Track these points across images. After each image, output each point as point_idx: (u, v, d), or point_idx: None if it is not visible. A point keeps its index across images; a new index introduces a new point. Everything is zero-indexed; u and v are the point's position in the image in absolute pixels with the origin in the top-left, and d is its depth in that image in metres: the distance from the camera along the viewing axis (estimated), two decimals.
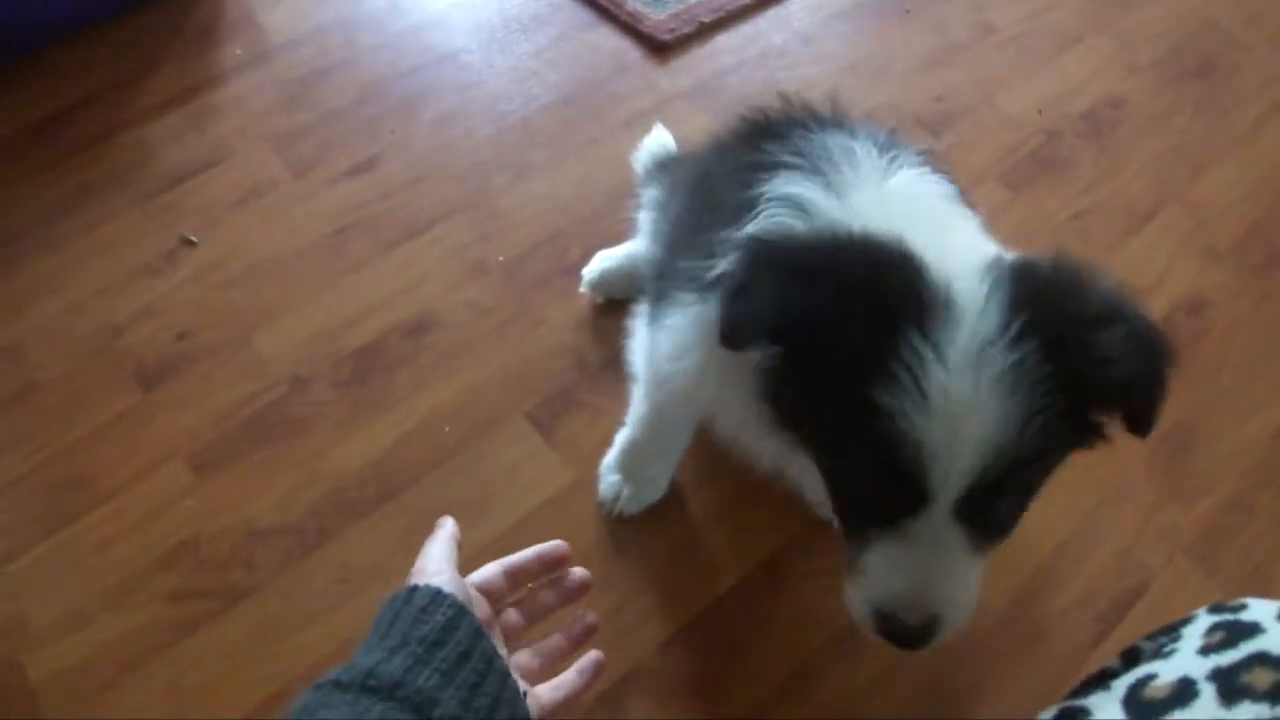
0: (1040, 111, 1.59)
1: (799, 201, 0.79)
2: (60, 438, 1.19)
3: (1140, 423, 0.75)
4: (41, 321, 1.30)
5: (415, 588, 0.69)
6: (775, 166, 0.83)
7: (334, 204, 1.42)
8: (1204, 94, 1.66)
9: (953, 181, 0.91)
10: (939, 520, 0.69)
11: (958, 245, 0.76)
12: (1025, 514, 0.73)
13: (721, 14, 1.68)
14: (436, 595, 0.69)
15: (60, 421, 1.20)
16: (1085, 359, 0.69)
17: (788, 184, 0.80)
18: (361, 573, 1.09)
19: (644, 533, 1.13)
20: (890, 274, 0.69)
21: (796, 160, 0.83)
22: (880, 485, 0.71)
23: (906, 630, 0.73)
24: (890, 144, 0.86)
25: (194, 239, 1.38)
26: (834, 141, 0.84)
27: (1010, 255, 0.77)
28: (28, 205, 1.42)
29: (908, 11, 1.74)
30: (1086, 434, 0.74)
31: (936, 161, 0.90)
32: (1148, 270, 1.39)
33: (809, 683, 1.03)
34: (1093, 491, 1.17)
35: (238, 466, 1.17)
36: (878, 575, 0.74)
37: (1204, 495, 1.19)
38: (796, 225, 0.78)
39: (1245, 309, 1.37)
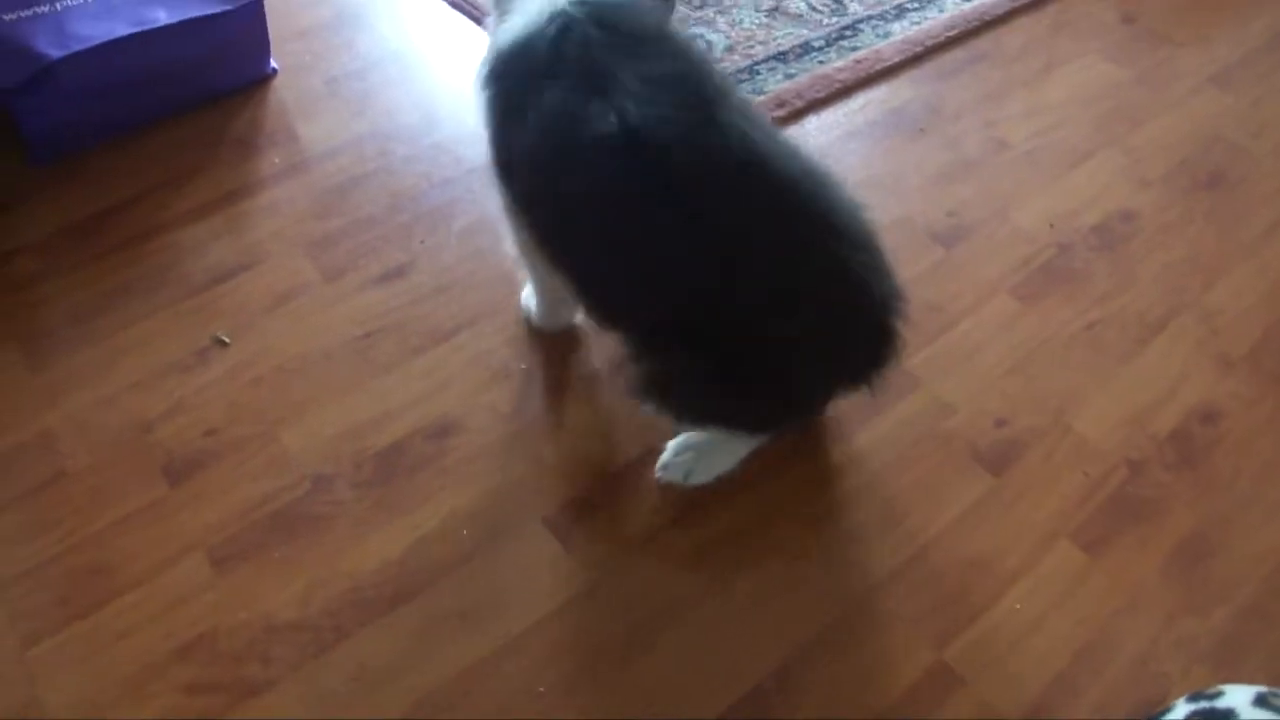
0: (1052, 225, 1.62)
1: None
2: (86, 526, 1.22)
3: None
4: (74, 412, 1.33)
5: None
6: None
7: (364, 308, 1.46)
8: (1214, 205, 1.69)
9: None
10: None
11: None
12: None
13: None
14: None
15: (87, 510, 1.23)
16: None
17: None
18: (376, 672, 1.10)
19: (665, 628, 1.14)
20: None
21: None
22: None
23: None
24: None
25: (226, 339, 1.42)
26: None
27: None
28: (67, 300, 1.47)
29: (922, 130, 1.78)
30: None
31: None
32: (1161, 379, 1.40)
33: None
34: (1109, 600, 1.18)
35: (257, 562, 1.19)
36: None
37: (1221, 604, 1.19)
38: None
39: (1260, 417, 1.37)
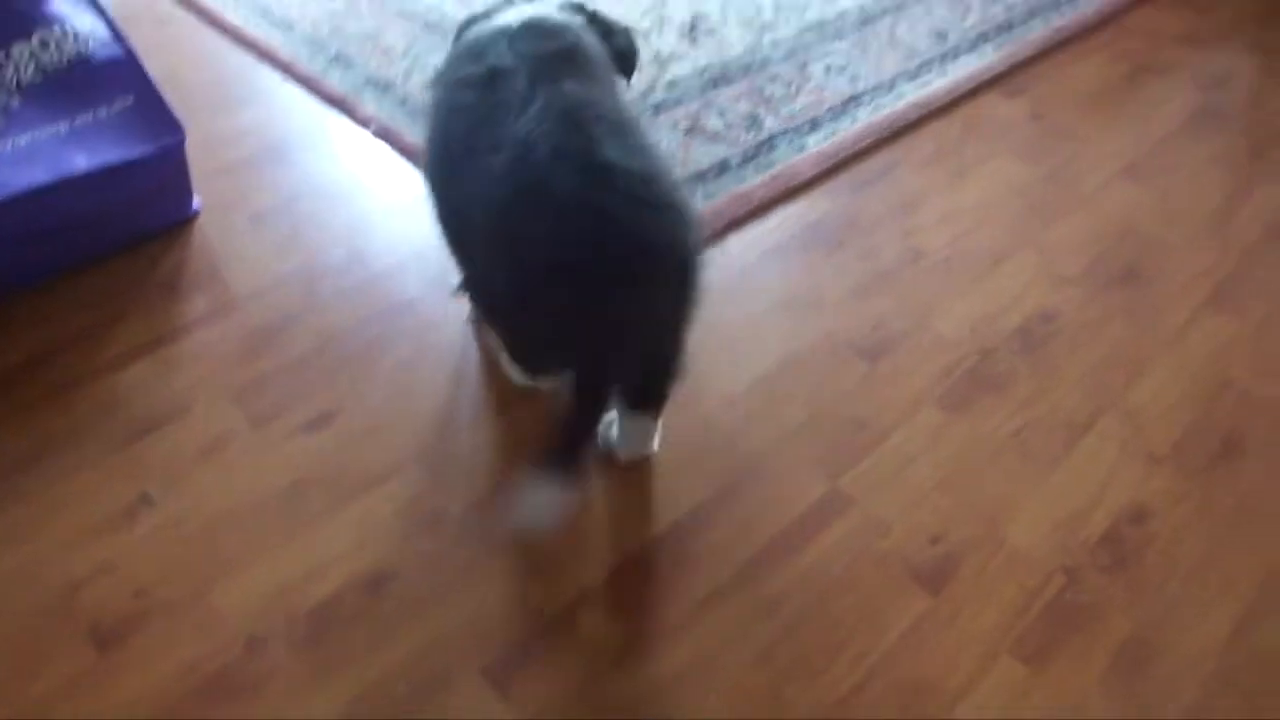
0: (973, 331, 1.64)
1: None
2: (8, 700, 1.18)
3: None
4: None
5: None
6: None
7: (293, 456, 1.44)
8: (1132, 299, 1.72)
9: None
10: None
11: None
12: None
13: None
14: None
15: (9, 683, 1.19)
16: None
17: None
18: None
19: None
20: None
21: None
22: None
23: None
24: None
25: (154, 494, 1.40)
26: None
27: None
28: None
29: (840, 243, 1.82)
30: None
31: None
32: (1090, 482, 1.42)
33: None
34: (1053, 715, 1.17)
35: None
36: None
37: (1165, 708, 1.19)
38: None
39: (1188, 513, 1.39)
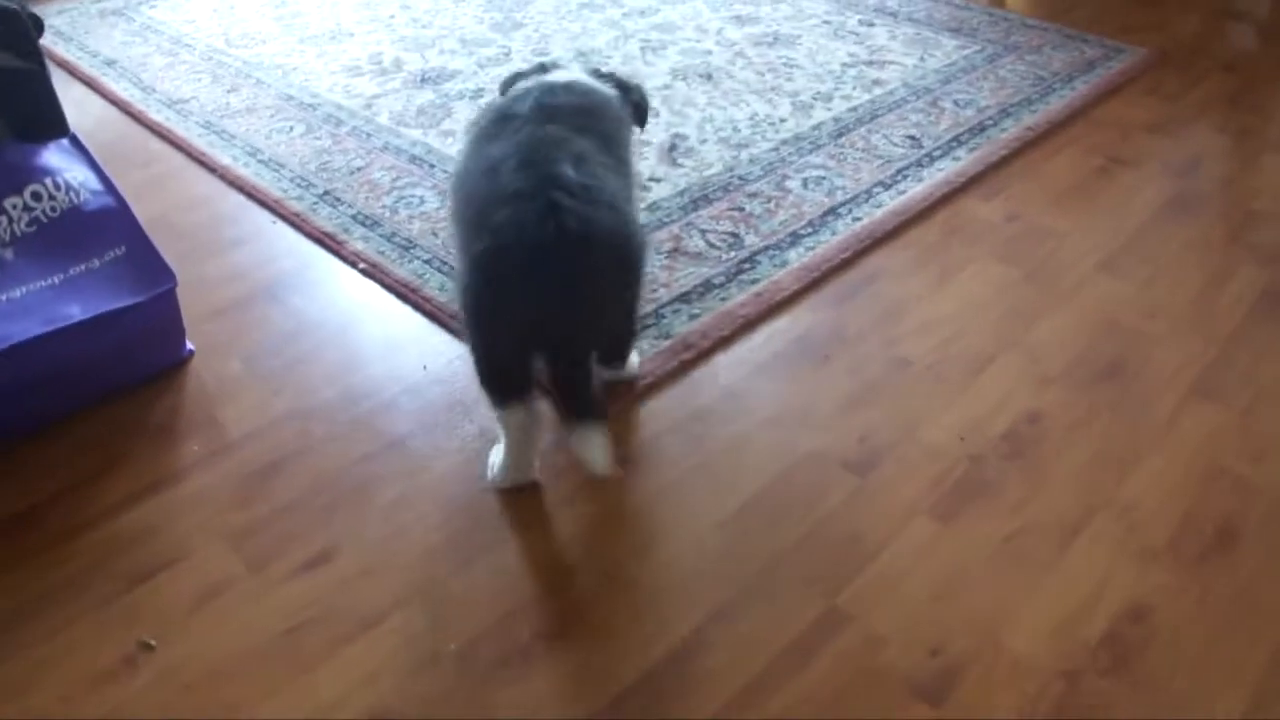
0: (962, 438, 1.66)
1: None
2: None
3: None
4: None
5: None
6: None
7: (289, 600, 1.45)
8: (1118, 394, 1.74)
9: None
10: None
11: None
12: None
13: (651, 380, 1.78)
14: None
15: None
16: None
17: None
18: None
19: None
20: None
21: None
22: None
23: None
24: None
25: (152, 643, 1.39)
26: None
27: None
28: None
29: (826, 356, 1.84)
30: None
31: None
32: (1086, 584, 1.42)
33: None
34: None
35: None
36: None
37: None
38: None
39: (1188, 607, 1.39)
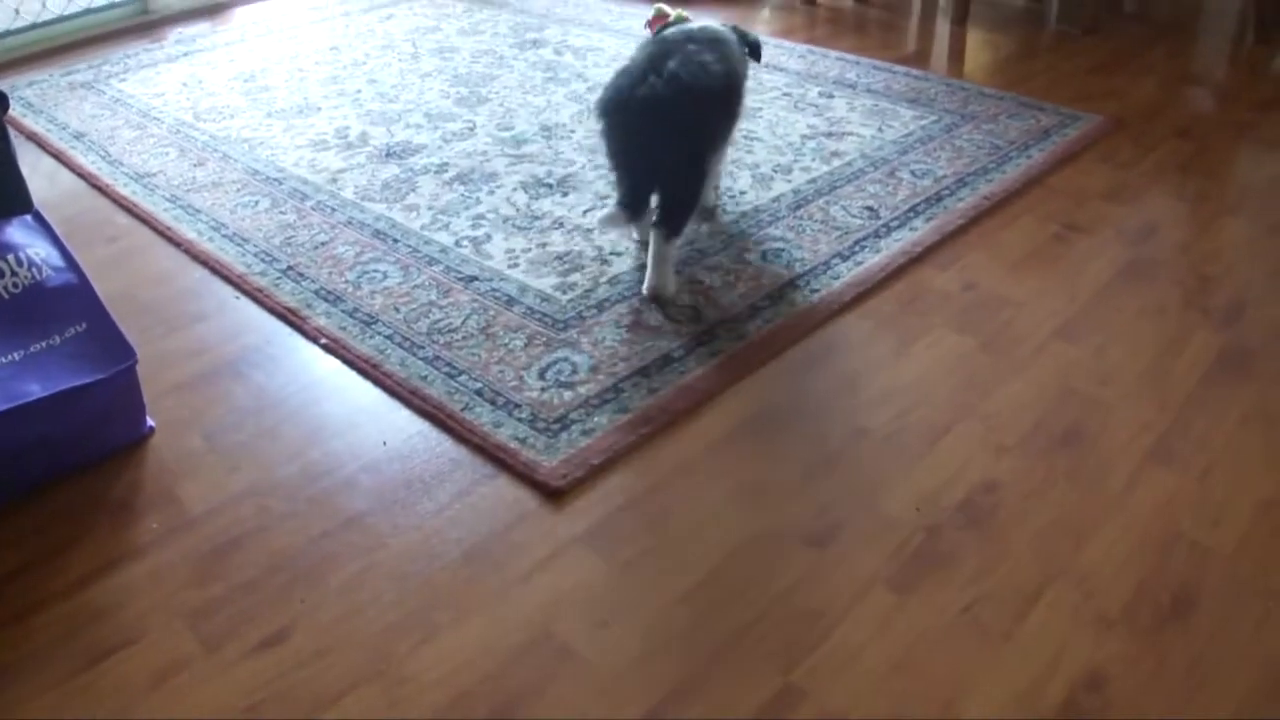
0: (918, 508, 1.67)
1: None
2: None
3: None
4: None
5: None
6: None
7: (247, 679, 1.43)
8: (1074, 462, 1.76)
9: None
10: None
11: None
12: None
13: (610, 454, 1.78)
14: None
15: None
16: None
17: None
18: None
19: None
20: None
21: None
22: None
23: None
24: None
25: None
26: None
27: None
28: None
29: (784, 428, 1.86)
30: None
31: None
32: (1043, 653, 1.42)
33: None
34: None
35: None
36: None
37: None
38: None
39: (1144, 675, 1.39)
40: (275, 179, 2.88)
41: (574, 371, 1.99)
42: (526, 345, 2.07)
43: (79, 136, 3.27)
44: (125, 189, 2.87)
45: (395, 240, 2.50)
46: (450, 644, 1.47)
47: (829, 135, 3.03)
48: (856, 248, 2.39)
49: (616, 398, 1.90)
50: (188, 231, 2.60)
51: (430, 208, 2.66)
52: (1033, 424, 1.85)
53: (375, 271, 2.36)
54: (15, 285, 1.82)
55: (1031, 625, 1.47)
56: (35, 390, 1.70)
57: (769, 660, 1.43)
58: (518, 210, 2.63)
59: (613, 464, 1.79)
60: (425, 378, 1.98)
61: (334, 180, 2.85)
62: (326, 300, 2.25)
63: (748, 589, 1.54)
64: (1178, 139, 3.02)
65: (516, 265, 2.37)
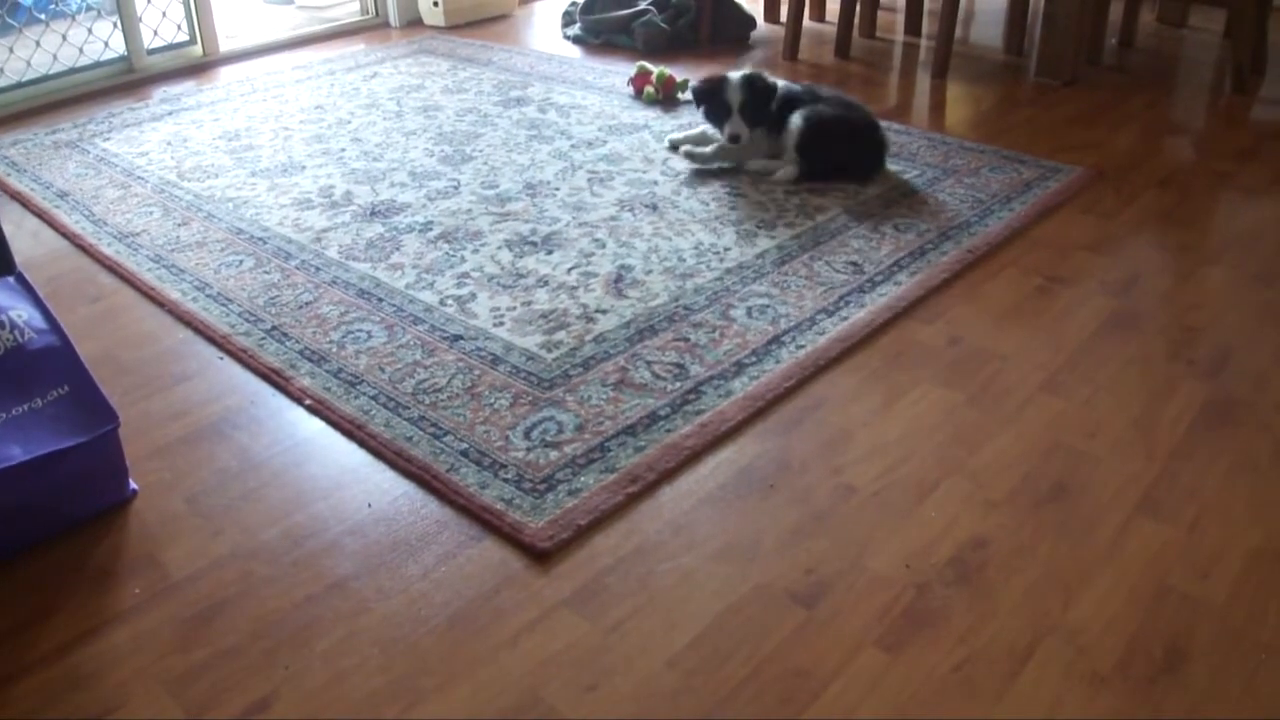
0: (908, 566, 1.66)
1: None
2: None
3: None
4: None
5: None
6: None
7: None
8: (1062, 516, 1.75)
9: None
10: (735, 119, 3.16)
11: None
12: None
13: (597, 514, 1.77)
14: None
15: None
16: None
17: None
18: None
19: None
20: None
21: None
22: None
23: None
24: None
25: None
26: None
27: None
28: None
29: (772, 486, 1.85)
30: None
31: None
32: (1035, 711, 1.41)
33: None
34: None
35: None
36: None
37: None
38: None
39: None
40: (260, 238, 2.88)
41: (560, 431, 1.98)
42: (512, 404, 2.07)
43: (63, 196, 3.27)
44: (109, 249, 2.86)
45: (380, 299, 2.50)
46: (437, 710, 1.45)
47: (812, 191, 3.05)
48: (841, 303, 2.40)
49: (603, 457, 1.90)
50: (171, 291, 2.60)
51: (415, 266, 2.66)
52: (1020, 478, 1.85)
53: (360, 331, 2.36)
54: None
55: (1024, 683, 1.46)
56: (16, 454, 1.68)
57: None
58: (502, 268, 2.64)
59: (599, 524, 1.77)
60: (410, 438, 1.97)
61: (318, 239, 2.85)
62: (311, 360, 2.25)
63: (737, 649, 1.52)
64: (1158, 189, 3.05)
65: (502, 324, 2.37)
